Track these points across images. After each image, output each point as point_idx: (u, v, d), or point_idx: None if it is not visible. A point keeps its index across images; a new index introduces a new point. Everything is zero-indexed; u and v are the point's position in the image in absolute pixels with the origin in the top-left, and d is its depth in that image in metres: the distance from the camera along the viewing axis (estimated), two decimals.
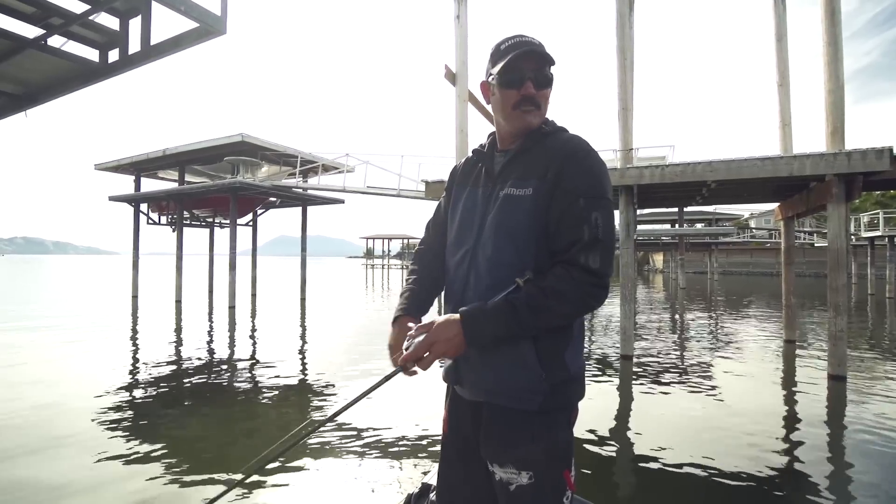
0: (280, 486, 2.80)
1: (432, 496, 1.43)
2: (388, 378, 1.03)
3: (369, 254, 64.84)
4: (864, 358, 6.60)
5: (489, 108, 1.20)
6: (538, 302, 0.98)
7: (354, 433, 3.68)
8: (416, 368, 1.02)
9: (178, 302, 13.38)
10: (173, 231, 15.73)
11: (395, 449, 3.36)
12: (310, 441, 3.41)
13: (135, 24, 2.69)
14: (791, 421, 4.15)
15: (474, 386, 1.11)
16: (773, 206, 9.05)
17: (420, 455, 3.24)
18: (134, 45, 2.69)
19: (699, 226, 33.74)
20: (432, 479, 1.56)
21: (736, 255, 41.35)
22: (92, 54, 2.85)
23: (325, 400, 4.52)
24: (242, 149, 12.86)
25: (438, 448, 1.25)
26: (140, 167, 15.17)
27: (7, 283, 22.64)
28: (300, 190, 14.12)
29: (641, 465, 3.20)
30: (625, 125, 6.60)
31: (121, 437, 3.50)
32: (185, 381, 5.19)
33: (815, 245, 30.52)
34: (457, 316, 1.01)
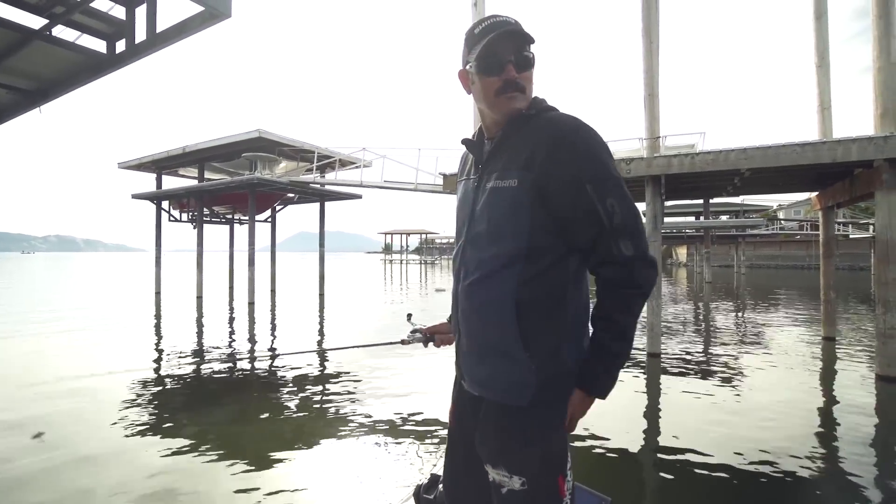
0: (288, 473, 2.84)
1: (441, 487, 1.44)
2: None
3: (388, 249, 65.06)
4: None
5: (471, 97, 1.13)
6: (616, 328, 0.99)
7: (363, 423, 3.65)
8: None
9: (199, 298, 13.56)
10: (194, 228, 15.94)
11: (405, 439, 3.34)
12: (318, 429, 3.56)
13: (141, 13, 2.59)
14: (839, 424, 3.84)
15: (472, 380, 1.11)
16: (803, 196, 8.57)
17: (429, 446, 3.20)
18: (141, 34, 2.58)
19: (724, 218, 32.66)
20: (441, 470, 1.56)
21: (764, 247, 39.95)
22: (100, 45, 2.76)
23: (346, 397, 4.42)
24: (260, 145, 12.89)
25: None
26: (161, 165, 15.39)
27: (39, 280, 23.44)
28: (317, 185, 14.11)
29: (672, 465, 3.02)
30: (651, 112, 6.29)
31: (144, 426, 3.53)
32: (204, 375, 5.18)
33: (851, 237, 29.21)
34: (586, 394, 1.04)
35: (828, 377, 5.36)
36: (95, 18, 2.53)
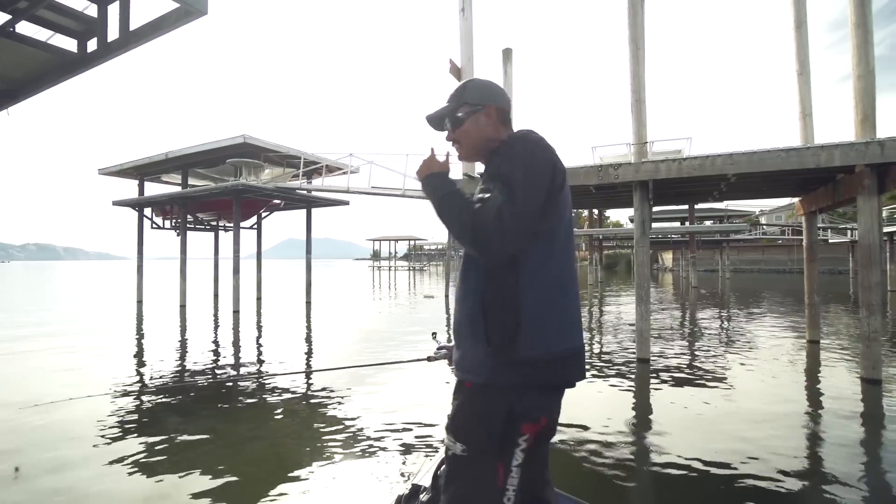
0: (269, 484, 2.76)
1: (423, 497, 1.45)
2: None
3: (376, 256, 64.71)
4: (893, 357, 6.24)
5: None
6: (451, 203, 1.16)
7: (344, 433, 3.56)
8: None
9: (183, 307, 13.25)
10: (177, 235, 15.63)
11: (386, 450, 3.26)
12: (299, 439, 3.48)
13: (113, 10, 2.48)
14: (827, 427, 3.83)
15: (454, 364, 1.25)
16: (785, 201, 8.71)
17: (411, 456, 3.12)
18: (113, 33, 2.47)
19: (709, 223, 33.17)
20: (422, 480, 1.59)
21: (747, 252, 40.67)
22: (70, 44, 2.64)
23: (330, 407, 4.29)
24: (245, 150, 12.70)
25: (429, 449, 1.42)
26: (143, 171, 15.08)
27: (17, 290, 22.73)
28: (304, 191, 13.94)
29: (658, 470, 2.97)
30: (638, 118, 6.32)
31: (124, 442, 3.36)
32: (187, 386, 5.00)
33: (830, 241, 29.85)
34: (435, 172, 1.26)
35: (813, 380, 5.38)
36: (65, 15, 2.42)
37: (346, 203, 15.58)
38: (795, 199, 8.51)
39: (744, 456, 3.19)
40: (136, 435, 3.63)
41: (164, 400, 4.65)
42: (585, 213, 38.78)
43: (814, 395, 4.80)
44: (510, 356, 1.10)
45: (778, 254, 38.86)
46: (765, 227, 39.36)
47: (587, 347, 7.43)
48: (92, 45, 2.59)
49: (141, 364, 6.34)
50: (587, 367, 5.92)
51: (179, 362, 6.35)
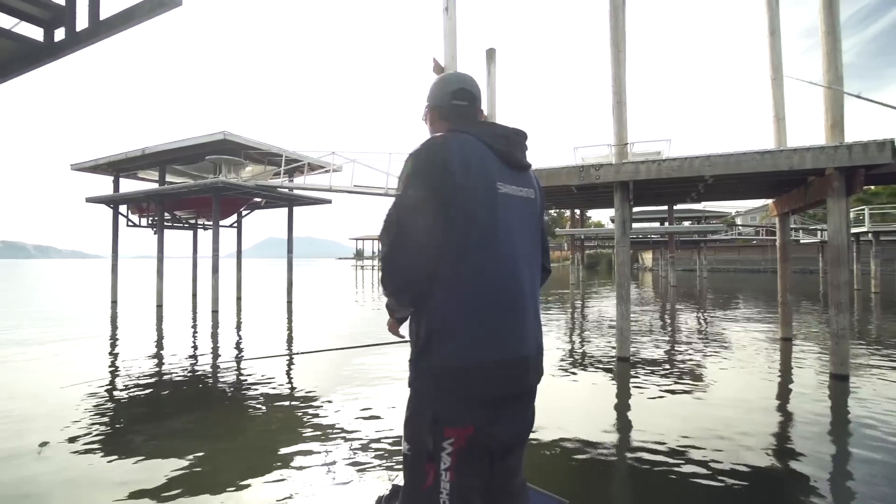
0: (246, 485, 2.70)
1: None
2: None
3: (359, 255, 64.23)
4: (859, 354, 6.48)
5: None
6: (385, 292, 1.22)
7: (323, 434, 3.52)
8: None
9: (160, 307, 12.92)
10: (154, 233, 15.23)
11: (367, 451, 3.23)
12: (277, 440, 3.41)
13: None
14: (796, 422, 3.96)
15: None
16: (760, 203, 8.96)
17: (392, 457, 3.09)
18: (82, 22, 2.39)
19: (687, 223, 33.91)
20: (402, 481, 1.55)
21: (724, 252, 41.70)
22: (36, 33, 2.54)
23: (311, 407, 4.23)
24: (225, 147, 12.44)
25: None
26: (118, 167, 14.65)
27: None
28: (285, 190, 13.74)
29: (633, 465, 3.04)
30: (619, 119, 6.41)
31: (96, 449, 3.21)
32: (163, 390, 4.86)
33: (801, 242, 30.82)
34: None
35: (786, 376, 5.54)
36: (29, 3, 2.32)
37: (329, 202, 15.42)
38: (769, 201, 8.75)
39: (712, 449, 3.27)
40: (105, 438, 3.52)
41: (134, 404, 4.51)
42: (568, 213, 39.23)
43: (785, 393, 4.94)
44: (426, 363, 1.13)
45: (753, 254, 39.96)
46: (740, 227, 40.45)
47: (568, 348, 7.51)
48: (59, 34, 2.49)
49: (113, 364, 6.16)
50: (557, 367, 5.99)
51: (155, 362, 6.18)
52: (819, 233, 26.57)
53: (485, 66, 9.39)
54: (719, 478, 2.87)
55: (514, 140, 1.24)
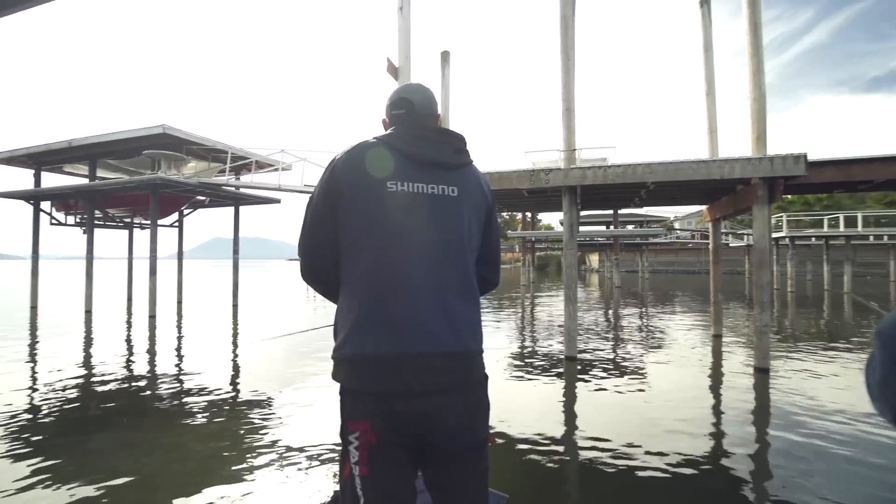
0: (194, 496, 2.51)
1: None
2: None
3: None
4: (779, 348, 7.11)
5: None
6: None
7: (265, 441, 3.38)
8: None
9: (88, 312, 11.93)
10: (84, 233, 14.03)
11: (308, 459, 3.14)
12: (218, 447, 3.24)
13: None
14: (726, 412, 4.30)
15: None
16: (695, 209, 9.61)
17: (333, 464, 3.03)
18: None
19: (631, 227, 35.80)
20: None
21: (663, 254, 44.32)
22: None
23: (258, 417, 4.05)
24: (164, 142, 11.70)
25: None
26: (40, 159, 13.38)
27: None
28: (231, 188, 13.13)
29: (574, 459, 3.20)
30: (568, 125, 6.65)
31: (13, 473, 2.92)
32: (92, 404, 4.48)
33: (731, 245, 33.38)
34: None
35: (717, 371, 5.98)
36: None
37: (278, 201, 14.90)
38: (704, 207, 9.41)
39: (650, 440, 3.48)
40: (16, 465, 3.20)
41: (59, 420, 4.14)
42: (519, 215, 40.20)
43: (716, 386, 5.34)
44: (338, 353, 1.16)
45: (688, 256, 42.76)
46: (678, 231, 43.21)
47: (517, 348, 7.69)
48: None
49: (32, 377, 5.62)
50: (516, 366, 6.13)
51: (80, 372, 5.69)
52: (745, 237, 28.91)
53: (439, 69, 9.45)
54: (658, 466, 3.05)
55: (434, 139, 1.21)
